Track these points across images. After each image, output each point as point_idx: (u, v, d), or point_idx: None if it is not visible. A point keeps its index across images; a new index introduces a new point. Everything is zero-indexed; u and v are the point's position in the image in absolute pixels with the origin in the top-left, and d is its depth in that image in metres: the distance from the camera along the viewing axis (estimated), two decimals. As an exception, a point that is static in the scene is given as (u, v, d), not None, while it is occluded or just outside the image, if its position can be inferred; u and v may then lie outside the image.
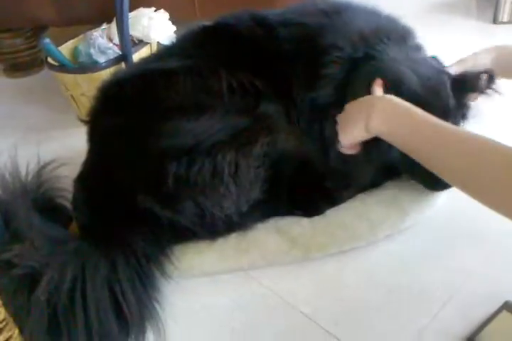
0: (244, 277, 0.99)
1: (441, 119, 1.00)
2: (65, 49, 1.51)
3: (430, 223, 1.04)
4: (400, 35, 1.04)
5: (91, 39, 1.49)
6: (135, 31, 1.51)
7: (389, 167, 1.03)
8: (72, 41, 1.55)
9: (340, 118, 0.96)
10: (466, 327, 0.85)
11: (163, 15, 1.57)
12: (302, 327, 0.89)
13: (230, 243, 1.01)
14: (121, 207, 0.95)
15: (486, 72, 0.96)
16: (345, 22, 1.04)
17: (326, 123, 1.01)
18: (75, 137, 1.11)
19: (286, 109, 1.03)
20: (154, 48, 1.55)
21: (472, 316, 0.86)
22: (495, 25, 1.89)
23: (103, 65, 1.43)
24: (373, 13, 1.10)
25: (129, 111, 1.00)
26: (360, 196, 1.08)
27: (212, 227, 0.98)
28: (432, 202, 1.05)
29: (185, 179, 0.92)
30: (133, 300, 0.87)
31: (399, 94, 0.88)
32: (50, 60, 1.46)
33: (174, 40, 1.20)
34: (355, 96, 0.92)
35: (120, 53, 1.47)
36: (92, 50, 1.48)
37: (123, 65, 1.46)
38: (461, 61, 1.06)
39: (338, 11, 1.07)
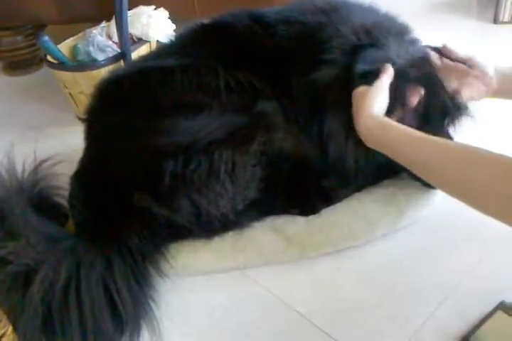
0: (240, 276, 0.99)
1: (440, 118, 1.01)
2: (64, 47, 1.51)
3: (426, 223, 1.04)
4: (399, 31, 1.04)
5: (90, 37, 1.48)
6: (134, 29, 1.51)
7: (386, 165, 1.03)
8: (71, 39, 1.54)
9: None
10: (462, 326, 0.85)
11: (162, 13, 1.57)
12: (298, 326, 0.88)
13: (227, 242, 1.00)
14: (118, 204, 0.94)
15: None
16: (343, 19, 1.03)
17: (326, 117, 1.01)
18: (74, 135, 1.11)
19: (283, 108, 1.03)
20: (153, 46, 1.55)
21: (468, 316, 0.86)
22: (495, 25, 1.88)
23: (102, 62, 1.43)
24: (371, 11, 1.10)
25: (126, 108, 1.00)
26: (357, 195, 1.07)
27: (209, 226, 0.97)
28: (429, 201, 1.05)
29: (181, 177, 0.92)
30: (128, 298, 0.87)
31: None
32: (49, 57, 1.46)
33: (172, 38, 1.19)
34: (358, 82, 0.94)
35: (119, 51, 1.46)
36: (91, 48, 1.47)
37: (122, 63, 1.45)
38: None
39: (336, 9, 1.07)
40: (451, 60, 1.02)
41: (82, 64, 1.47)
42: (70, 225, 1.03)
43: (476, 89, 0.99)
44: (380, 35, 1.01)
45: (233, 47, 1.07)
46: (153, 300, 0.91)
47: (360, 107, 0.91)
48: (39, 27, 1.79)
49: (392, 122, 0.87)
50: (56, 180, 1.04)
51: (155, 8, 1.57)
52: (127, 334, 0.86)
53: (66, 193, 1.04)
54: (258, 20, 1.09)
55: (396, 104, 0.94)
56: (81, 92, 1.45)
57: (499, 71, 0.99)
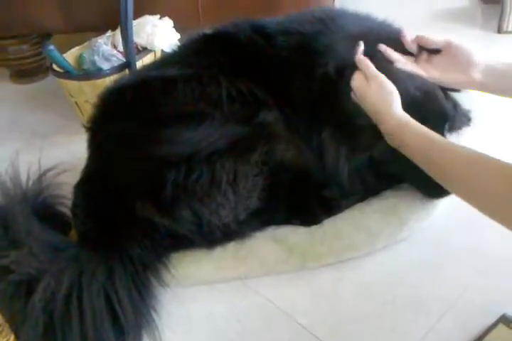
0: (241, 286, 0.99)
1: (440, 124, 1.01)
2: (70, 56, 1.52)
3: (427, 234, 1.04)
4: (394, 39, 1.05)
5: (95, 46, 1.50)
6: (139, 38, 1.52)
7: (387, 176, 1.03)
8: (76, 48, 1.56)
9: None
10: (464, 339, 0.84)
11: (167, 22, 1.58)
12: (298, 337, 0.88)
13: (228, 251, 1.00)
14: (120, 214, 0.95)
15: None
16: (339, 27, 1.06)
17: (323, 128, 1.02)
18: (79, 144, 1.12)
19: (285, 117, 1.03)
20: (158, 56, 1.57)
21: (469, 328, 0.85)
22: (499, 35, 1.88)
23: (107, 72, 1.44)
24: (367, 19, 1.12)
25: (129, 118, 1.00)
26: (359, 205, 1.07)
27: (210, 236, 0.97)
28: (430, 212, 1.04)
29: (183, 187, 0.92)
30: (129, 308, 0.87)
31: None
32: (54, 66, 1.48)
33: (175, 47, 1.20)
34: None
35: (124, 60, 1.48)
36: (96, 57, 1.49)
37: (127, 72, 1.47)
38: None
39: (333, 18, 1.08)
40: (429, 48, 1.03)
41: (87, 73, 1.49)
42: (73, 234, 1.03)
43: (453, 73, 1.00)
44: (374, 42, 1.02)
45: (235, 57, 1.08)
46: (154, 309, 0.91)
47: (379, 112, 0.93)
48: (45, 36, 1.81)
49: (410, 123, 0.89)
50: (60, 189, 1.05)
51: (160, 18, 1.58)
52: (128, 344, 0.86)
53: (70, 202, 1.04)
54: (259, 30, 1.10)
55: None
56: (86, 101, 1.46)
57: (489, 65, 0.99)
